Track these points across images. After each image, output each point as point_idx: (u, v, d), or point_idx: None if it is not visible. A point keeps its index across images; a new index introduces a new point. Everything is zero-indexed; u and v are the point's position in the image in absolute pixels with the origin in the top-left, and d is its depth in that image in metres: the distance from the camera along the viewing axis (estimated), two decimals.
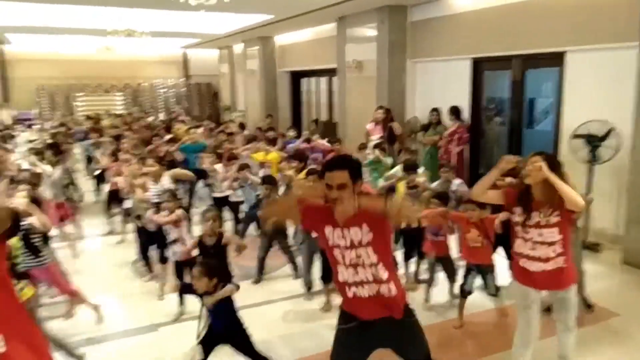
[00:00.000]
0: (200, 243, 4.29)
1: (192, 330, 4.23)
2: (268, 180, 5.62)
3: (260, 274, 5.41)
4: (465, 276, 4.41)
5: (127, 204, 6.07)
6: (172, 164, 7.05)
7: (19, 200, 3.88)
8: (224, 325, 3.37)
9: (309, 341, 4.14)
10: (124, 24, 11.74)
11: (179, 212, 4.67)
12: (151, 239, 5.27)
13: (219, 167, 6.81)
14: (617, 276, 5.42)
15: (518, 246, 3.16)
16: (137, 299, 5.06)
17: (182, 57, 20.45)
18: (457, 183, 5.79)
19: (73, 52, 17.91)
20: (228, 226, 6.31)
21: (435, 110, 8.39)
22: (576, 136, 5.99)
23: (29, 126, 16.01)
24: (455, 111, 8.07)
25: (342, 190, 2.46)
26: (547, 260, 3.08)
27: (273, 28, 12.90)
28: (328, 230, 2.57)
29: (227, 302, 3.36)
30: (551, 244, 3.06)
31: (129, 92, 19.61)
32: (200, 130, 10.04)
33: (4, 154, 7.71)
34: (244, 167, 6.59)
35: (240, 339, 3.39)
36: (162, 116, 14.88)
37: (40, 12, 10.18)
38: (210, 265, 3.41)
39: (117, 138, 9.22)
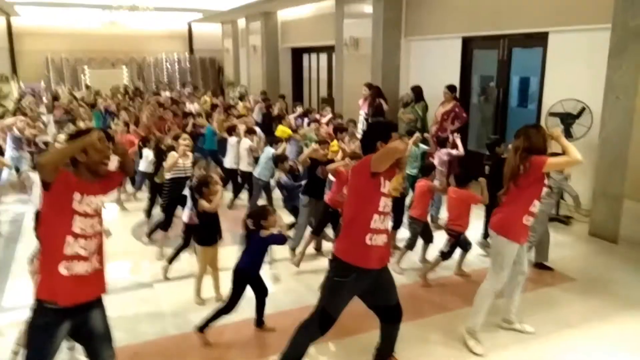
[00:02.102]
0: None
1: (182, 287, 4.74)
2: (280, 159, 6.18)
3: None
4: (455, 247, 4.86)
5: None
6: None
7: None
8: (252, 264, 3.86)
9: (288, 298, 4.59)
10: None
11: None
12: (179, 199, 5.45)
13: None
14: (581, 246, 5.80)
15: (533, 206, 3.56)
16: (135, 259, 5.52)
17: (187, 32, 20.64)
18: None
19: (80, 26, 18.19)
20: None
21: (414, 88, 8.55)
22: (551, 114, 6.30)
23: (39, 98, 16.35)
24: (452, 89, 8.01)
25: None
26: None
27: (275, 4, 13.09)
28: (382, 179, 2.94)
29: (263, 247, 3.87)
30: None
31: (134, 66, 19.90)
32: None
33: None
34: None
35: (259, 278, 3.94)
36: (168, 93, 15.34)
37: None
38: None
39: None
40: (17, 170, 7.72)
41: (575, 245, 5.82)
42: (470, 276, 4.99)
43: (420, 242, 5.24)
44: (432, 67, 9.14)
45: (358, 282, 3.02)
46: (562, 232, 6.05)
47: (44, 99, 16.35)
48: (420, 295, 4.66)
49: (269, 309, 4.10)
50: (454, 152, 6.54)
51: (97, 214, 2.67)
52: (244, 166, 7.10)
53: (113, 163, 2.77)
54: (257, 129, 8.09)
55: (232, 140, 7.40)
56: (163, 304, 4.53)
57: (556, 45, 6.83)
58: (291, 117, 9.53)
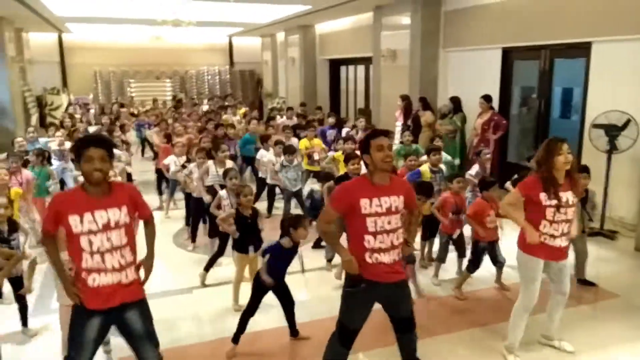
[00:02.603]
0: (237, 213, 4.75)
1: (219, 293, 4.84)
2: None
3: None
4: (479, 255, 4.75)
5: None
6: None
7: None
8: (270, 268, 3.86)
9: (322, 307, 4.60)
10: (173, 14, 12.44)
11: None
12: (202, 209, 5.88)
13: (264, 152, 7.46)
14: (626, 261, 5.58)
15: (544, 227, 3.46)
16: (176, 266, 5.68)
17: (228, 46, 21.14)
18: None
19: (126, 41, 18.95)
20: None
21: (452, 99, 8.55)
22: (595, 126, 6.13)
23: (87, 109, 17.07)
24: (487, 99, 8.07)
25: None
26: (567, 235, 3.50)
27: (313, 17, 13.28)
28: (364, 201, 2.89)
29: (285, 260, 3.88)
30: (569, 221, 3.47)
31: (177, 78, 20.53)
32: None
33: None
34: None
35: (284, 288, 3.96)
36: (208, 103, 15.83)
37: (97, 3, 11.04)
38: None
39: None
40: (62, 181, 8.08)
41: (620, 260, 5.61)
42: (510, 290, 4.87)
43: (454, 254, 5.18)
44: (471, 78, 9.04)
45: (368, 294, 3.02)
46: (606, 247, 5.85)
47: (92, 111, 17.05)
48: (454, 308, 4.59)
49: (304, 318, 4.15)
50: (472, 172, 6.11)
51: (112, 227, 2.66)
52: (270, 177, 7.22)
53: (117, 175, 2.76)
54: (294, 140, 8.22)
55: (262, 152, 7.53)
56: (201, 309, 4.64)
57: (600, 55, 6.66)
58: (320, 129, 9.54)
